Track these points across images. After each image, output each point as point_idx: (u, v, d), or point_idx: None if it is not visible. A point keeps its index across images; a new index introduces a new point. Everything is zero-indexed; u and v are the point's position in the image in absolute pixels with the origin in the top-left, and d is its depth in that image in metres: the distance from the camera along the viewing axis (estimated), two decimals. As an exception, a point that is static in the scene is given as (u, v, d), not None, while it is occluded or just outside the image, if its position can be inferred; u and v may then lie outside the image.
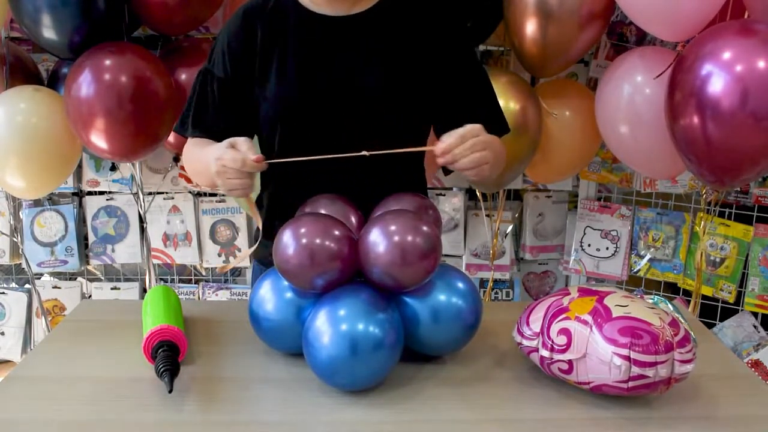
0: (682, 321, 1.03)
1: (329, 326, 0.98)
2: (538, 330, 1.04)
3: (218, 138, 1.29)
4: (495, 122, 1.34)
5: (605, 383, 0.97)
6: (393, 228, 1.01)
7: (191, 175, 1.38)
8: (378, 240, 1.01)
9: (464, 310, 1.07)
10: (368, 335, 0.97)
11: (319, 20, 1.25)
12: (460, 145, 1.13)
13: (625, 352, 0.94)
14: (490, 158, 1.15)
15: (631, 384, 0.95)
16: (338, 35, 1.25)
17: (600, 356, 0.96)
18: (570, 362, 0.99)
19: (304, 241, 1.01)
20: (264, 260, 1.42)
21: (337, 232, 1.03)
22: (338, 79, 1.25)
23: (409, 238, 1.00)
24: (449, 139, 1.13)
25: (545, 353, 1.02)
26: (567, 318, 1.01)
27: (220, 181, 1.15)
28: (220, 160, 1.13)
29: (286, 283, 1.09)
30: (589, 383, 0.99)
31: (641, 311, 0.99)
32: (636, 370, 0.94)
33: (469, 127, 1.14)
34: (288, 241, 1.02)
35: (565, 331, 1.00)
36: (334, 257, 1.02)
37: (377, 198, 1.24)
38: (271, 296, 1.10)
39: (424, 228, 1.02)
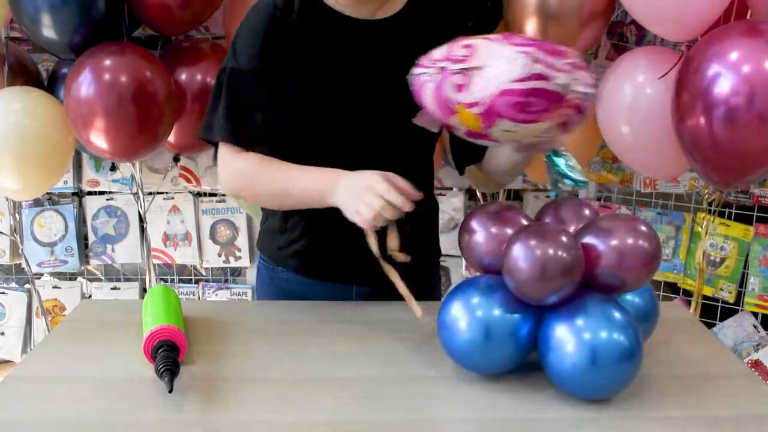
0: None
1: (572, 336, 0.97)
2: (439, 57, 0.99)
3: (256, 144, 1.24)
4: None
5: (501, 92, 0.92)
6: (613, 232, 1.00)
7: (243, 190, 1.28)
8: (598, 244, 1.00)
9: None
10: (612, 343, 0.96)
11: (344, 22, 1.24)
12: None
13: (530, 50, 0.91)
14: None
15: (528, 84, 0.91)
16: (362, 38, 1.24)
17: (501, 57, 0.92)
18: (466, 74, 0.94)
19: (538, 252, 0.96)
20: (271, 256, 1.41)
21: (566, 240, 0.99)
22: (359, 82, 1.24)
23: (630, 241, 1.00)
24: None
25: (443, 64, 0.97)
26: (469, 46, 0.97)
27: (370, 197, 1.09)
28: (393, 179, 1.11)
29: (476, 300, 1.02)
30: (479, 103, 0.94)
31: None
32: (537, 68, 0.91)
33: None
34: (522, 253, 0.97)
35: (468, 47, 0.96)
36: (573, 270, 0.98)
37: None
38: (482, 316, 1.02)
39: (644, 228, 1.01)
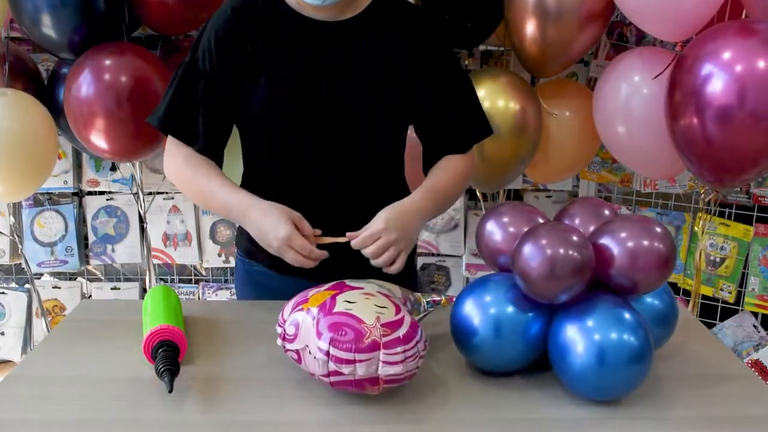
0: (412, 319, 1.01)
1: (582, 337, 0.97)
2: (283, 319, 1.05)
3: (192, 140, 1.29)
4: (476, 125, 1.36)
5: (318, 376, 0.97)
6: (624, 234, 1.00)
7: (180, 187, 1.36)
8: (612, 245, 1.00)
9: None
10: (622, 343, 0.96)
11: (310, 24, 1.25)
12: (368, 246, 1.18)
13: (325, 346, 0.94)
14: (402, 248, 1.20)
15: (332, 379, 0.95)
16: (328, 40, 1.25)
17: (311, 349, 0.97)
18: (298, 352, 1.00)
19: (549, 252, 0.97)
20: (245, 251, 1.42)
21: (576, 239, 0.99)
22: (327, 84, 1.25)
23: (645, 242, 0.99)
24: (359, 237, 1.18)
25: (279, 342, 1.03)
26: (301, 309, 1.01)
27: (274, 251, 1.20)
28: (290, 241, 1.17)
29: (488, 298, 1.04)
30: (313, 375, 0.99)
31: (364, 309, 0.98)
32: (332, 366, 0.94)
33: (371, 230, 1.18)
34: (532, 252, 0.98)
35: (295, 323, 1.01)
36: (582, 268, 0.98)
37: (359, 200, 1.25)
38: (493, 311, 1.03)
39: (658, 229, 1.01)
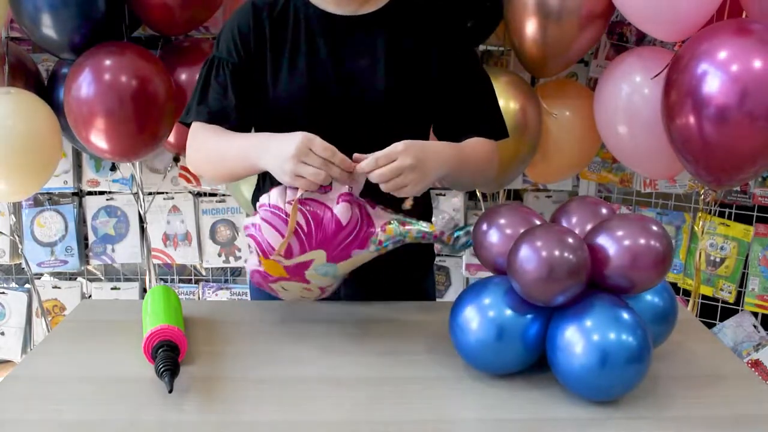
0: None
1: (581, 337, 0.96)
2: (272, 207, 1.11)
3: (222, 122, 1.27)
4: (493, 127, 1.34)
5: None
6: (621, 233, 1.00)
7: (198, 163, 1.30)
8: (609, 245, 0.99)
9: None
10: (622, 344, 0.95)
11: (329, 19, 1.26)
12: (376, 170, 1.07)
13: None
14: (414, 178, 1.08)
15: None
16: (347, 35, 1.26)
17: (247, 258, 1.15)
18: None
19: (544, 254, 0.97)
20: None
21: (572, 241, 0.99)
22: (346, 79, 1.25)
23: (642, 241, 0.99)
24: (366, 161, 1.08)
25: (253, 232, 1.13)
26: (261, 252, 1.10)
27: (292, 164, 1.05)
28: (310, 142, 1.05)
29: (486, 301, 1.03)
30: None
31: (289, 295, 1.17)
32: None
33: (384, 152, 1.08)
34: (527, 255, 0.98)
35: (250, 241, 1.12)
36: (579, 270, 0.98)
37: (376, 198, 1.24)
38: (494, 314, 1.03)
39: (655, 228, 1.00)
